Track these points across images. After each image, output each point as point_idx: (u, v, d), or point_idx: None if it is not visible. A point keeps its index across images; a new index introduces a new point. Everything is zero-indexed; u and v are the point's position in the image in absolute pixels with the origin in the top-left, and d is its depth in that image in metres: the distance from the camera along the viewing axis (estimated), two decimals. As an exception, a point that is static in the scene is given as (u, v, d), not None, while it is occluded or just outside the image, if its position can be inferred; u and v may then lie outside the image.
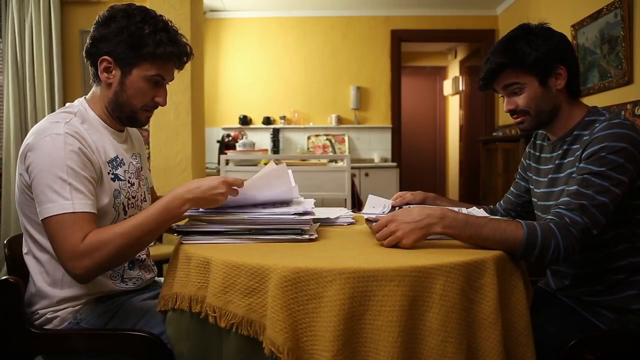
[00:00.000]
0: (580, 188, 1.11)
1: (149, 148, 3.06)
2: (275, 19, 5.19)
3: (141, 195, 1.33)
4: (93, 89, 1.26)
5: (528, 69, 1.21)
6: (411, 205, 1.41)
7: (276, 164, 1.20)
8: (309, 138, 5.20)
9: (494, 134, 4.96)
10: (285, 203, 1.25)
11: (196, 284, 1.00)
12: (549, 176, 1.30)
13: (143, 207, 1.32)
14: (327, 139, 5.20)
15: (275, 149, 5.06)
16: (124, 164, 1.26)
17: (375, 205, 1.46)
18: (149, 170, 1.49)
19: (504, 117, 5.03)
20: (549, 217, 1.10)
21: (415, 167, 6.94)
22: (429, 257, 0.93)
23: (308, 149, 5.18)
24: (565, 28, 3.49)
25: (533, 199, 1.40)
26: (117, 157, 1.24)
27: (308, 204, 1.22)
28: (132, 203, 1.28)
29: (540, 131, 1.41)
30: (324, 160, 3.94)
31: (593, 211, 1.08)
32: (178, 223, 1.13)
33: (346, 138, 5.21)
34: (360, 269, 0.86)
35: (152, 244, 1.90)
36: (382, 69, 5.22)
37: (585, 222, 1.07)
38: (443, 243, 1.09)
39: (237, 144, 3.88)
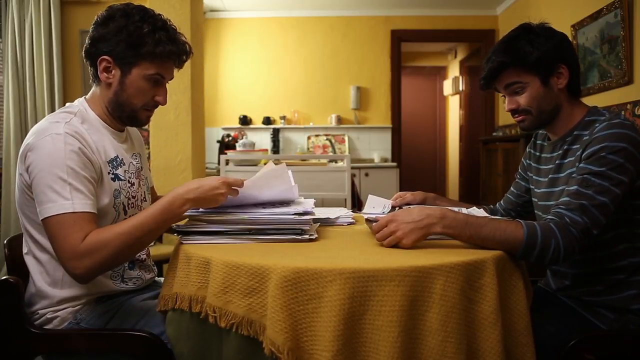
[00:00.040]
0: (580, 188, 1.11)
1: (149, 148, 3.06)
2: (275, 19, 5.19)
3: (141, 195, 1.33)
4: (93, 89, 1.26)
5: (530, 68, 1.21)
6: (411, 206, 1.41)
7: (275, 164, 1.20)
8: (309, 138, 5.20)
9: (494, 134, 4.96)
10: (285, 203, 1.25)
11: (196, 284, 1.00)
12: (550, 176, 1.30)
13: (143, 207, 1.32)
14: (327, 139, 5.20)
15: (275, 149, 5.06)
16: (124, 164, 1.26)
17: (375, 206, 1.46)
18: (149, 170, 1.49)
19: (504, 117, 5.04)
20: (549, 217, 1.10)
21: (415, 167, 6.94)
22: (429, 257, 0.93)
23: (308, 149, 5.18)
24: (565, 28, 3.49)
25: (533, 199, 1.40)
26: (117, 157, 1.24)
27: (308, 204, 1.22)
28: (132, 203, 1.28)
29: (540, 131, 1.41)
30: (324, 160, 3.94)
31: (593, 211, 1.08)
32: (178, 223, 1.13)
33: (346, 138, 5.21)
34: (360, 269, 0.86)
35: (152, 244, 1.90)
36: (382, 69, 5.22)
37: (586, 222, 1.07)
38: (443, 243, 1.09)
39: (237, 144, 3.87)
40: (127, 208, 1.25)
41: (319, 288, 0.86)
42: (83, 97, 1.27)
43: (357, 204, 3.25)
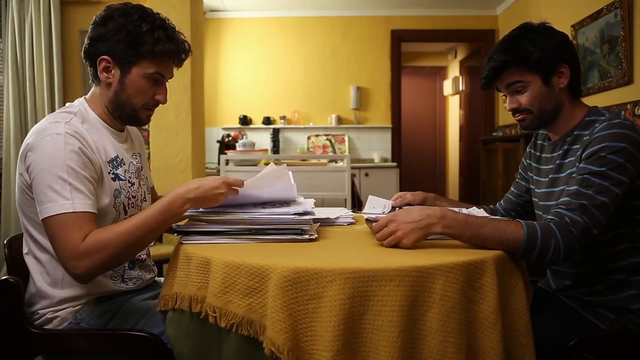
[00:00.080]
0: (580, 188, 1.11)
1: (149, 148, 3.06)
2: (275, 19, 5.19)
3: (141, 195, 1.33)
4: (93, 88, 1.26)
5: (531, 67, 1.21)
6: (411, 206, 1.41)
7: (276, 164, 1.20)
8: (309, 138, 5.20)
9: (494, 134, 4.96)
10: (286, 203, 1.25)
11: (196, 284, 1.00)
12: (550, 176, 1.30)
13: (143, 206, 1.32)
14: (327, 139, 5.20)
15: (275, 149, 5.06)
16: (124, 164, 1.26)
17: (376, 206, 1.46)
18: (149, 170, 1.49)
19: (504, 117, 5.04)
20: (549, 217, 1.10)
21: (415, 167, 6.93)
22: (429, 257, 0.93)
23: (308, 149, 5.18)
24: (565, 28, 3.49)
25: (534, 198, 1.40)
26: (117, 156, 1.24)
27: (308, 204, 1.22)
28: (133, 203, 1.28)
29: (540, 131, 1.41)
30: (324, 160, 3.94)
31: (593, 211, 1.08)
32: (178, 223, 1.13)
33: (346, 138, 5.21)
34: (360, 269, 0.86)
35: (152, 244, 1.90)
36: (382, 69, 5.22)
37: (586, 222, 1.07)
38: (443, 243, 1.09)
39: (237, 144, 3.88)
40: (127, 208, 1.25)
41: (319, 288, 0.86)
42: (83, 97, 1.27)
43: (357, 204, 3.25)
